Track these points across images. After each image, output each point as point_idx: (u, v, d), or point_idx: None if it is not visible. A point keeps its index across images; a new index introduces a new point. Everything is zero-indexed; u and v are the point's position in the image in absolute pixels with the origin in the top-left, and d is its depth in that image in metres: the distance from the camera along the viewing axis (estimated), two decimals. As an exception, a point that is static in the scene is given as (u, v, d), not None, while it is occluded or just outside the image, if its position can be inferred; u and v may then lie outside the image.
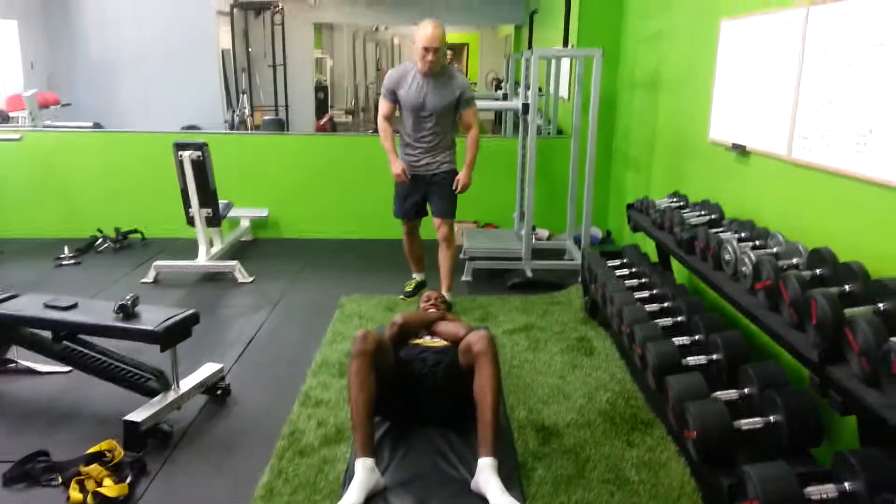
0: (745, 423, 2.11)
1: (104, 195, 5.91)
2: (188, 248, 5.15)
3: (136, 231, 5.82)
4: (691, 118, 3.88)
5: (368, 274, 4.97)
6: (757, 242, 2.65)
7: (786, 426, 2.03)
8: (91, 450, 2.52)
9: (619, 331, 3.16)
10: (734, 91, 3.27)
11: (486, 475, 2.27)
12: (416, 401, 2.68)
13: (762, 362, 2.33)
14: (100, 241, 5.61)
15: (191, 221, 4.91)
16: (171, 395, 2.83)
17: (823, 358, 1.86)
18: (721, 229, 2.90)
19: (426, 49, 3.80)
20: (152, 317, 2.82)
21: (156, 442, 2.69)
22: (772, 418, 2.08)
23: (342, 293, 4.46)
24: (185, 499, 2.40)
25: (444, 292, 4.11)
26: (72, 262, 5.22)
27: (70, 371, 3.26)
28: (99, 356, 2.96)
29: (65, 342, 2.96)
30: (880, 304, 1.91)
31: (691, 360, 2.55)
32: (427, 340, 2.90)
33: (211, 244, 5.05)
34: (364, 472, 2.28)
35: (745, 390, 2.26)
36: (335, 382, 3.19)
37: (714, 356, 2.51)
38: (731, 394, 2.27)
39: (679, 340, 2.69)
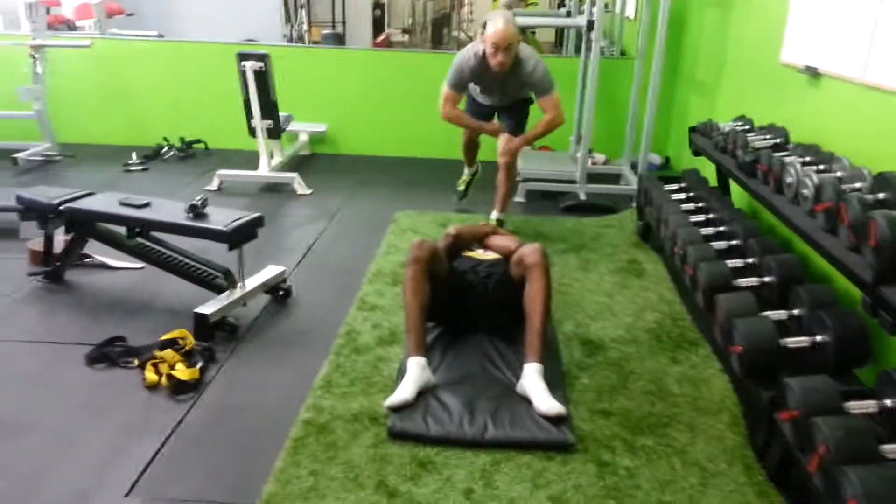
0: (792, 342, 2.15)
1: (169, 105, 6.06)
2: (250, 160, 5.29)
3: (199, 141, 5.99)
4: (764, 39, 3.73)
5: (422, 191, 5.04)
6: (821, 166, 2.60)
7: (832, 345, 2.06)
8: (164, 337, 2.71)
9: (671, 252, 3.18)
10: (810, 10, 3.13)
11: (531, 379, 2.37)
12: (467, 309, 2.78)
13: (814, 284, 2.34)
14: (165, 149, 5.81)
15: (252, 132, 5.02)
16: (238, 293, 3.00)
17: (878, 278, 1.86)
18: (785, 153, 2.84)
19: (496, 47, 3.53)
20: (221, 217, 2.96)
21: (223, 334, 2.87)
22: (818, 338, 2.11)
23: (396, 208, 4.55)
24: (251, 385, 2.58)
25: (496, 214, 4.13)
26: (139, 168, 5.43)
27: (142, 268, 3.47)
28: (170, 253, 3.14)
29: (138, 238, 3.14)
30: (944, 229, 1.88)
31: (742, 281, 2.57)
32: (479, 253, 2.98)
33: (271, 156, 5.17)
34: (417, 369, 2.40)
35: (795, 311, 2.28)
36: (389, 290, 3.32)
37: (766, 278, 2.53)
38: (780, 313, 2.29)
39: (732, 262, 2.70)
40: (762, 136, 3.17)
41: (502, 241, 3.04)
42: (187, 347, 2.69)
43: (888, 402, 1.80)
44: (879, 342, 2.22)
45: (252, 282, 3.10)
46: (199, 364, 2.60)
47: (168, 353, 2.59)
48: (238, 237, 2.92)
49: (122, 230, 3.17)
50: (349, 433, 2.24)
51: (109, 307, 3.15)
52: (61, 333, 2.92)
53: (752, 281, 2.55)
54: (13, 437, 2.24)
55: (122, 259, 3.49)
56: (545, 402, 2.28)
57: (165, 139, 5.89)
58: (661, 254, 3.79)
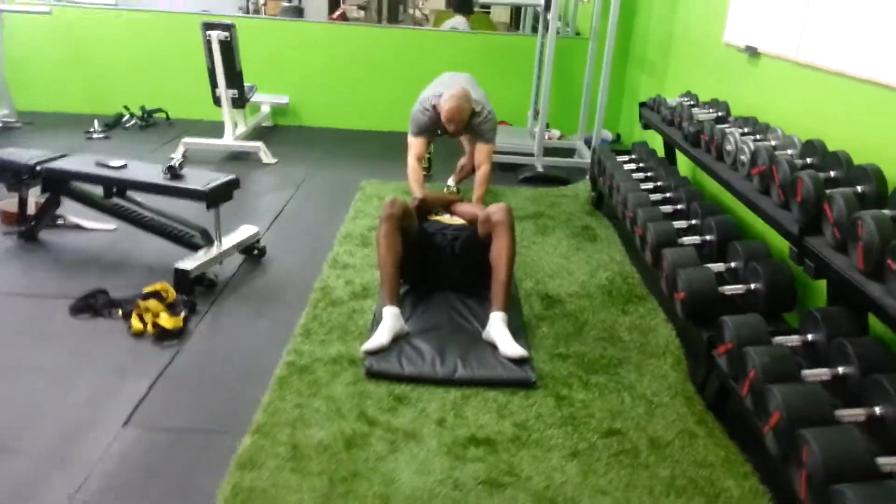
0: (729, 289, 2.42)
1: (129, 74, 6.05)
2: (212, 129, 5.35)
3: (160, 110, 6.01)
4: (708, 21, 4.01)
5: (386, 162, 5.19)
6: (758, 136, 2.88)
7: (764, 292, 2.34)
8: (147, 289, 2.84)
9: (622, 216, 3.43)
10: (752, -6, 3.41)
11: (496, 326, 2.59)
12: (436, 268, 2.98)
13: (749, 241, 2.61)
14: (126, 117, 5.81)
15: (217, 101, 5.09)
16: (215, 250, 3.13)
17: (803, 229, 2.13)
18: (726, 125, 3.11)
19: (448, 121, 3.71)
20: (198, 178, 3.08)
21: (202, 289, 3.01)
22: (752, 286, 2.38)
23: (361, 178, 4.71)
24: (233, 334, 2.73)
25: (452, 181, 4.43)
26: (101, 136, 5.44)
27: (115, 229, 3.56)
28: (147, 213, 3.24)
29: (115, 199, 3.23)
30: (859, 187, 2.16)
31: (686, 239, 2.83)
32: (447, 218, 3.19)
33: (235, 126, 5.25)
34: (391, 317, 2.59)
35: (732, 264, 2.55)
36: (359, 251, 3.49)
37: (707, 237, 2.79)
38: (719, 266, 2.56)
39: (677, 223, 2.96)
40: (706, 110, 3.44)
41: (468, 207, 3.25)
42: (169, 299, 2.82)
43: (809, 336, 2.07)
44: (805, 290, 2.51)
45: (228, 241, 3.23)
46: (183, 314, 2.73)
47: (152, 303, 2.72)
48: (216, 197, 3.04)
49: (98, 191, 3.26)
50: (329, 373, 2.43)
51: (86, 264, 3.24)
52: (41, 288, 3.01)
53: (695, 239, 2.82)
54: (8, 378, 2.35)
55: (95, 220, 3.58)
56: (509, 346, 2.51)
57: (126, 108, 5.89)
58: (613, 221, 4.05)
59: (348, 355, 2.53)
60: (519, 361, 2.47)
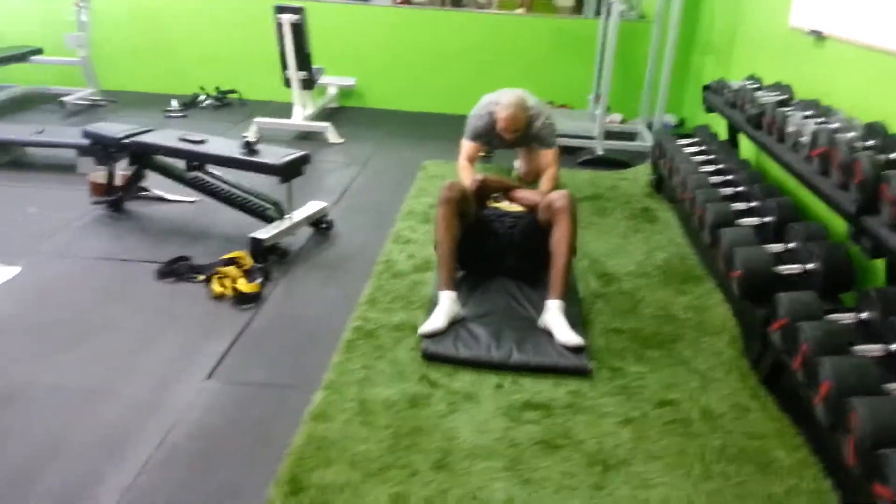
0: (785, 269, 2.45)
1: (205, 55, 6.33)
2: (282, 110, 5.56)
3: (234, 91, 6.27)
4: (774, 5, 3.97)
5: (448, 144, 5.27)
6: (819, 119, 2.88)
7: (821, 272, 2.37)
8: (226, 256, 3.04)
9: (681, 198, 3.47)
10: (821, -24, 3.37)
11: (553, 313, 2.58)
12: (493, 255, 2.96)
13: (807, 222, 2.64)
14: (202, 97, 6.09)
15: (287, 83, 5.30)
16: (287, 222, 3.31)
17: (861, 208, 2.16)
18: (789, 108, 3.11)
19: (505, 130, 3.51)
20: (272, 154, 3.27)
21: (275, 258, 3.20)
22: (809, 265, 2.41)
23: (424, 158, 4.84)
24: (304, 300, 2.92)
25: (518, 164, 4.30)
26: (179, 115, 5.72)
27: (195, 201, 3.79)
28: (225, 185, 3.45)
29: (196, 172, 3.45)
30: (921, 169, 2.17)
31: (745, 220, 2.86)
32: (506, 205, 3.14)
33: (304, 107, 5.45)
34: (448, 301, 2.62)
35: (790, 244, 2.58)
36: (421, 227, 3.63)
37: (766, 218, 2.82)
38: (777, 246, 2.59)
39: (737, 205, 2.99)
40: (769, 93, 3.43)
41: (529, 194, 3.15)
42: (246, 266, 3.01)
43: (864, 314, 2.10)
44: (864, 273, 2.52)
45: (298, 214, 3.42)
46: (259, 280, 2.92)
47: (231, 269, 2.92)
48: (289, 171, 3.22)
49: (180, 164, 3.48)
50: (393, 339, 2.57)
51: (170, 233, 3.48)
52: (129, 253, 3.25)
53: (754, 220, 2.84)
54: (103, 334, 2.58)
55: (177, 192, 3.82)
56: (565, 334, 2.50)
57: (202, 88, 6.17)
58: (672, 204, 4.07)
59: (410, 323, 2.67)
60: (575, 349, 2.46)
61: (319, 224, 3.56)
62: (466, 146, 3.70)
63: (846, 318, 2.13)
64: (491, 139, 3.73)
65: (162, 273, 3.01)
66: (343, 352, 2.48)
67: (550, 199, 2.82)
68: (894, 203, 2.01)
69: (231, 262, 3.01)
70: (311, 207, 3.53)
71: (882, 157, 2.28)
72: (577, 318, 2.66)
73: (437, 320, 2.55)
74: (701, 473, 1.97)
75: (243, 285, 2.86)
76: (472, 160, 3.67)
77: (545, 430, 2.12)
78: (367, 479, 1.88)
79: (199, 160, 3.39)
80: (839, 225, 2.47)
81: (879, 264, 2.31)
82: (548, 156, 3.64)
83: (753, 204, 2.97)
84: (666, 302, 2.96)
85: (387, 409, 2.18)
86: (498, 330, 2.57)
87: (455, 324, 2.59)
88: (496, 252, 2.96)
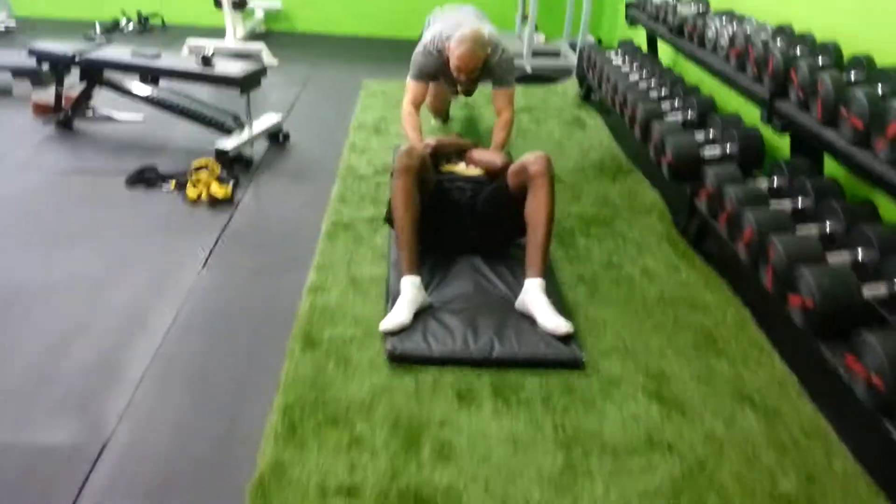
0: (708, 151, 2.84)
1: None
2: (209, 34, 5.52)
3: (156, 15, 6.12)
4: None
5: (385, 64, 5.45)
6: (735, 25, 3.26)
7: (738, 152, 2.77)
8: (196, 163, 3.17)
9: (612, 102, 3.82)
10: None
11: (533, 295, 2.23)
12: (453, 229, 2.57)
13: (726, 115, 3.04)
14: (124, 22, 5.93)
15: (218, 3, 5.26)
16: (247, 133, 3.45)
17: (773, 94, 2.55)
18: (707, 17, 3.48)
19: (459, 70, 3.05)
20: (229, 67, 3.37)
21: (240, 167, 3.34)
22: (728, 148, 2.81)
23: (362, 77, 4.99)
24: (277, 201, 3.10)
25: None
26: (102, 41, 5.57)
27: (143, 120, 3.84)
28: (184, 99, 3.53)
29: (152, 86, 3.51)
30: (820, 58, 2.57)
31: (670, 114, 3.24)
32: (461, 168, 2.82)
33: (234, 29, 5.43)
34: (412, 289, 2.24)
35: (711, 132, 2.97)
36: (373, 138, 3.84)
37: (689, 113, 3.20)
38: (701, 133, 2.98)
39: (663, 104, 3.36)
40: (687, 6, 3.79)
41: (487, 155, 2.85)
42: (216, 173, 3.15)
43: (775, 180, 2.52)
44: (772, 152, 2.95)
45: (257, 125, 3.55)
46: (231, 184, 3.08)
47: (203, 175, 3.06)
48: (248, 83, 3.35)
49: (128, 82, 3.52)
50: (370, 229, 2.82)
51: (126, 148, 3.54)
52: (93, 166, 3.32)
53: (678, 115, 3.22)
54: (90, 236, 2.71)
55: (125, 111, 3.85)
56: (551, 319, 2.15)
57: (123, 12, 6.00)
58: (600, 112, 4.44)
59: (380, 216, 2.92)
60: (563, 337, 2.12)
61: (276, 136, 3.71)
62: (412, 88, 3.22)
63: (762, 182, 2.54)
64: (439, 77, 3.31)
65: (132, 181, 3.11)
66: (325, 240, 2.71)
67: (524, 163, 2.42)
68: (801, 88, 2.40)
69: (201, 169, 3.15)
70: (267, 120, 3.67)
71: (790, 51, 2.68)
72: (556, 294, 2.35)
73: (400, 313, 2.16)
74: (645, 314, 2.36)
75: (217, 189, 3.01)
76: (418, 104, 3.21)
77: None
78: (370, 334, 2.16)
79: (154, 74, 3.44)
80: (750, 115, 2.87)
81: (785, 145, 2.73)
82: (503, 97, 3.22)
83: (677, 102, 3.35)
84: (603, 191, 3.33)
85: (374, 283, 2.45)
86: (472, 318, 2.21)
87: (421, 314, 2.21)
88: (457, 225, 2.57)
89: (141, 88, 3.53)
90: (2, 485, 1.60)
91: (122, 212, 2.91)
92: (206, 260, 2.58)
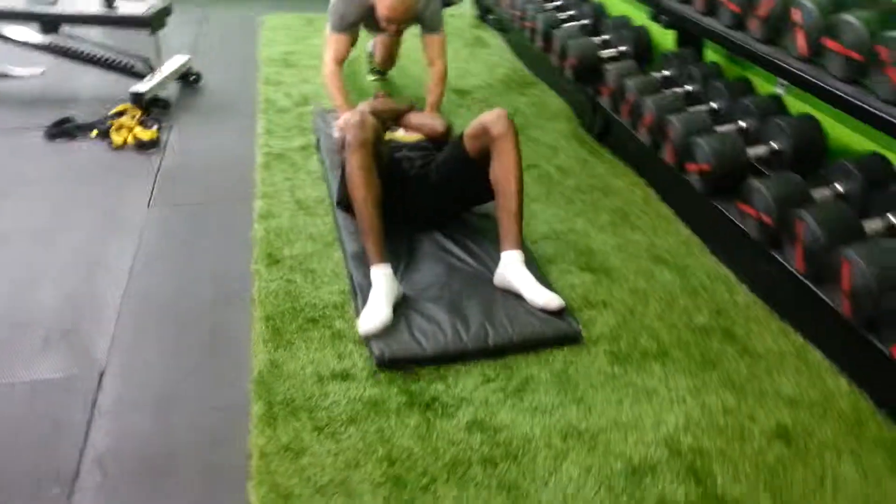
0: (606, 53, 3.13)
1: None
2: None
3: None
4: None
5: (277, 2, 5.38)
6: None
7: (631, 51, 3.07)
8: (114, 110, 3.16)
9: (512, 18, 4.03)
10: None
11: (515, 269, 2.06)
12: (405, 203, 2.29)
13: (616, 17, 3.32)
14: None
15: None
16: (159, 75, 3.44)
17: (658, -6, 2.84)
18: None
19: (389, 21, 2.78)
20: (135, 7, 3.33)
21: (158, 110, 3.35)
22: (622, 48, 3.10)
23: (260, 13, 4.94)
24: (204, 139, 3.16)
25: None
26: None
27: (43, 72, 3.72)
28: (87, 46, 3.46)
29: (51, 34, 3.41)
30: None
31: (568, 23, 3.49)
32: (400, 135, 2.62)
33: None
34: (386, 280, 1.99)
35: (606, 35, 3.25)
36: (286, 70, 3.89)
37: (585, 19, 3.47)
38: (598, 38, 3.26)
39: (559, 14, 3.61)
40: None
41: (426, 119, 2.71)
42: (137, 117, 3.16)
43: (666, 72, 2.84)
44: (658, 48, 3.27)
45: (167, 67, 3.54)
46: (155, 127, 3.11)
47: (126, 120, 3.08)
48: (157, 22, 3.33)
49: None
50: (303, 156, 2.96)
51: (36, 102, 3.46)
52: (2, 126, 3.23)
53: (575, 23, 3.48)
54: (23, 190, 2.72)
55: (21, 66, 3.72)
56: (541, 294, 2.00)
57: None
58: (499, 31, 4.64)
59: (311, 143, 3.06)
60: (557, 311, 1.97)
61: (187, 77, 3.70)
62: (334, 41, 2.94)
63: (656, 74, 2.86)
64: (363, 23, 3.03)
65: (51, 135, 3.08)
66: (262, 170, 2.83)
67: (484, 124, 2.19)
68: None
69: (119, 115, 3.15)
70: (177, 61, 3.65)
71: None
72: (538, 272, 2.14)
73: (378, 310, 1.92)
74: (565, 202, 2.67)
75: (142, 132, 3.04)
76: (341, 60, 2.95)
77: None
78: (327, 246, 2.35)
79: (55, 22, 3.34)
80: (635, 16, 3.17)
81: (669, 41, 3.05)
82: (435, 45, 3.02)
83: (573, 11, 3.61)
84: (512, 102, 3.58)
85: (319, 203, 2.62)
86: (455, 304, 2.02)
87: (399, 307, 1.99)
88: (410, 200, 2.31)
89: (39, 38, 3.42)
90: (14, 419, 1.70)
91: (49, 164, 2.90)
92: (150, 199, 2.66)
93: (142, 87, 3.29)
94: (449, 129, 2.63)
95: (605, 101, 2.94)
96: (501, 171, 2.14)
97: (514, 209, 2.11)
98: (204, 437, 1.65)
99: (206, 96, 3.64)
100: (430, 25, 2.98)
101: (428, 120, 2.71)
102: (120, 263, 2.27)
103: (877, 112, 1.75)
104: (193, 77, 3.72)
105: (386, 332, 1.90)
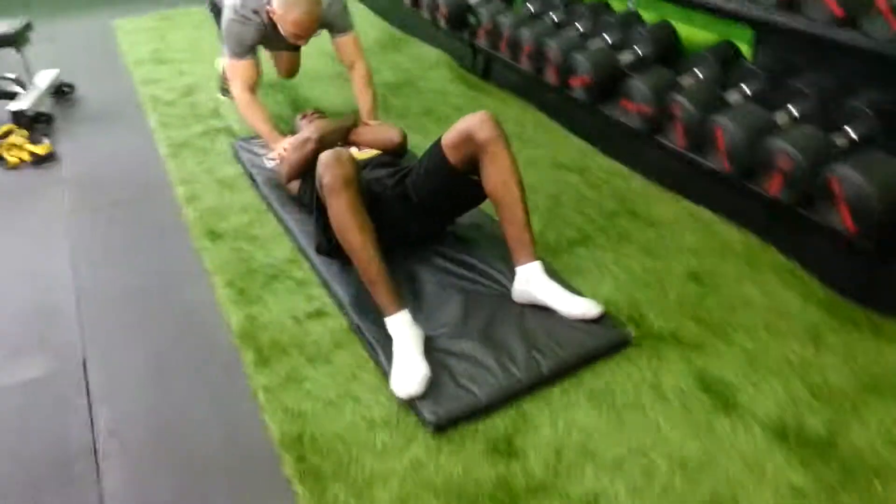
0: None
1: None
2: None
3: None
4: None
5: (127, 2, 5.23)
6: None
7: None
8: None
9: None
10: None
11: (540, 281, 1.90)
12: (391, 230, 2.00)
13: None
14: None
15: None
16: (34, 91, 3.35)
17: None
18: None
19: (297, 37, 2.57)
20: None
21: (42, 125, 3.28)
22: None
23: (109, 18, 4.81)
24: (100, 146, 3.14)
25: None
26: None
27: None
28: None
29: None
30: None
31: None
32: (355, 152, 2.37)
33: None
34: (409, 329, 1.77)
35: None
36: (160, 67, 3.88)
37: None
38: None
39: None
40: None
41: (379, 133, 2.55)
42: (25, 135, 3.09)
43: (529, 6, 3.13)
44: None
45: (40, 82, 3.45)
46: (47, 141, 3.06)
47: (16, 138, 3.01)
48: (21, 39, 3.24)
49: None
50: (208, 141, 3.03)
51: None
52: None
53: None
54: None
55: None
56: (576, 304, 1.86)
57: None
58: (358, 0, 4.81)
59: (212, 128, 3.12)
60: (598, 319, 1.84)
61: (61, 89, 3.62)
62: (240, 69, 2.70)
63: (522, 10, 3.15)
64: (266, 46, 2.90)
65: (-65, 166, 2.97)
66: (172, 160, 2.89)
67: (468, 130, 1.95)
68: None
69: (6, 135, 3.07)
70: (47, 75, 3.56)
71: None
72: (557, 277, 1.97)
73: (413, 366, 1.70)
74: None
75: (37, 148, 2.99)
76: (253, 86, 2.75)
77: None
78: (261, 215, 2.47)
79: None
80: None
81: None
82: (350, 45, 2.82)
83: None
84: (393, 61, 3.78)
85: (239, 178, 2.72)
86: (487, 334, 1.83)
87: (427, 353, 1.75)
88: (394, 224, 2.05)
89: None
90: (17, 416, 1.75)
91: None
92: (67, 208, 2.66)
93: (22, 104, 3.21)
94: (405, 137, 2.50)
95: (482, 42, 3.20)
96: (499, 180, 1.93)
97: (522, 218, 1.93)
98: (204, 392, 1.78)
99: (85, 105, 3.58)
100: (339, 26, 2.78)
101: (381, 132, 2.54)
102: (60, 270, 2.29)
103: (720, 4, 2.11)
104: (67, 89, 3.64)
105: (429, 388, 1.66)
